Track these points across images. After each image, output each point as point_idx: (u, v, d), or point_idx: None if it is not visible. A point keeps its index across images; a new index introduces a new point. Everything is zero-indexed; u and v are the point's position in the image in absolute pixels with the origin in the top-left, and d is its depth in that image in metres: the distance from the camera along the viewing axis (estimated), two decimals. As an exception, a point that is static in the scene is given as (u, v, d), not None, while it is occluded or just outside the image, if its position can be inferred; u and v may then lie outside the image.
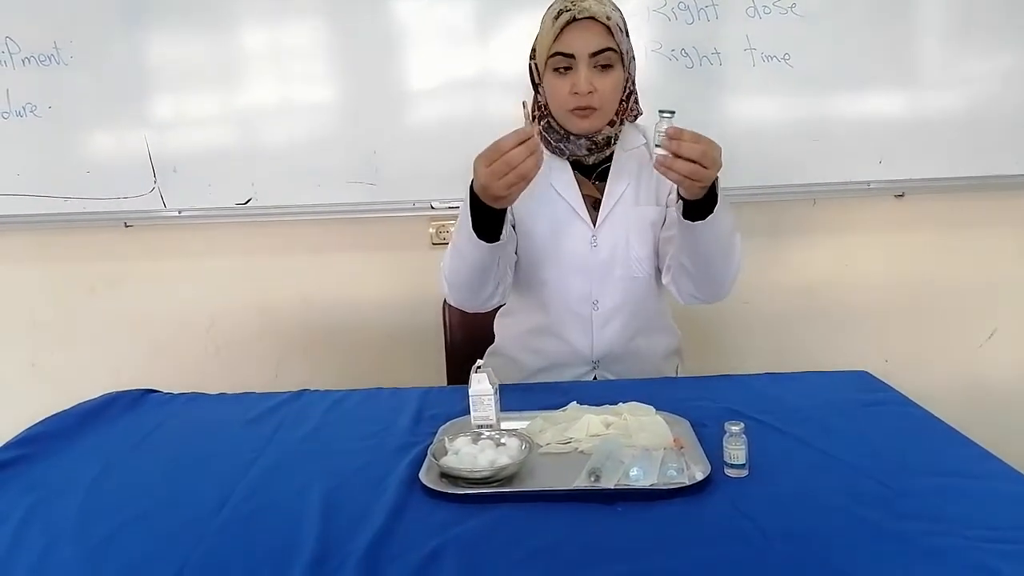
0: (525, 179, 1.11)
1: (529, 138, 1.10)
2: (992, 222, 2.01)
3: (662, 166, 1.10)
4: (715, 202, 1.17)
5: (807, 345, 2.03)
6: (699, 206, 1.18)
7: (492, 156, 1.10)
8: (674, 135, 1.08)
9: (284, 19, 1.88)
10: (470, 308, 1.35)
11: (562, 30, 1.26)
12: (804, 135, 1.89)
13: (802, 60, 1.85)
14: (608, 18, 1.26)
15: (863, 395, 1.21)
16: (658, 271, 1.42)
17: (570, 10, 1.26)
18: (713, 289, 1.32)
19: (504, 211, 1.19)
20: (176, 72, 1.90)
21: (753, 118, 1.89)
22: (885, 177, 1.91)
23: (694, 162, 1.08)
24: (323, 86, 1.92)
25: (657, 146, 1.10)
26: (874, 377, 1.29)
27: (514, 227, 1.38)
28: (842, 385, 1.26)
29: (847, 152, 1.90)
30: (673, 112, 1.10)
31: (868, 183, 1.92)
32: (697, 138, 1.09)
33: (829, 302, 2.04)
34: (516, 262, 1.40)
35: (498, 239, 1.21)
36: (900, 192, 1.96)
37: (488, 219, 1.19)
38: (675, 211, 1.23)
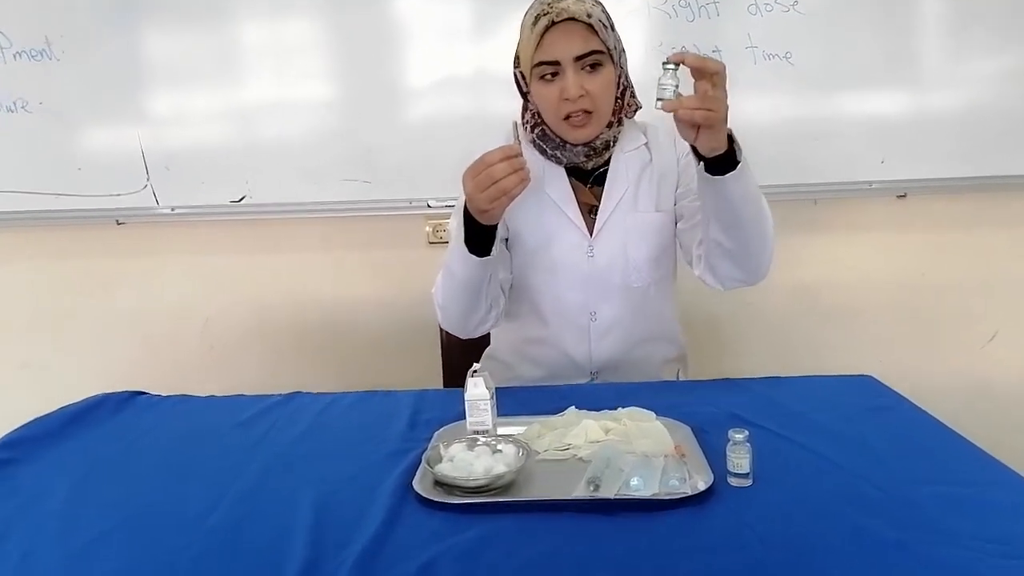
0: (507, 195, 1.09)
1: (516, 155, 1.08)
2: (995, 223, 1.99)
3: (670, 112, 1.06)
4: (734, 160, 1.11)
5: (808, 346, 2.01)
6: (719, 168, 1.12)
7: (478, 168, 1.09)
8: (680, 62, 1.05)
9: (279, 15, 1.85)
10: (463, 333, 1.32)
11: (543, 36, 1.20)
12: (805, 134, 1.87)
13: (803, 59, 1.83)
14: (589, 15, 1.20)
15: (868, 400, 1.19)
16: (665, 278, 1.38)
17: (547, 13, 1.20)
18: (754, 263, 1.23)
19: (494, 227, 1.17)
20: (169, 68, 1.87)
21: (754, 117, 1.87)
22: (887, 177, 1.89)
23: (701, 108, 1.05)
24: (318, 83, 1.89)
25: (659, 99, 1.06)
26: (879, 382, 1.27)
27: (507, 241, 1.35)
28: (847, 390, 1.24)
29: (849, 152, 1.88)
30: (677, 65, 1.05)
31: (870, 183, 1.90)
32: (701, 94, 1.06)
33: (830, 303, 2.03)
34: (512, 273, 1.36)
35: (488, 254, 1.18)
36: (902, 192, 1.94)
37: (479, 235, 1.17)
38: (697, 173, 1.16)
